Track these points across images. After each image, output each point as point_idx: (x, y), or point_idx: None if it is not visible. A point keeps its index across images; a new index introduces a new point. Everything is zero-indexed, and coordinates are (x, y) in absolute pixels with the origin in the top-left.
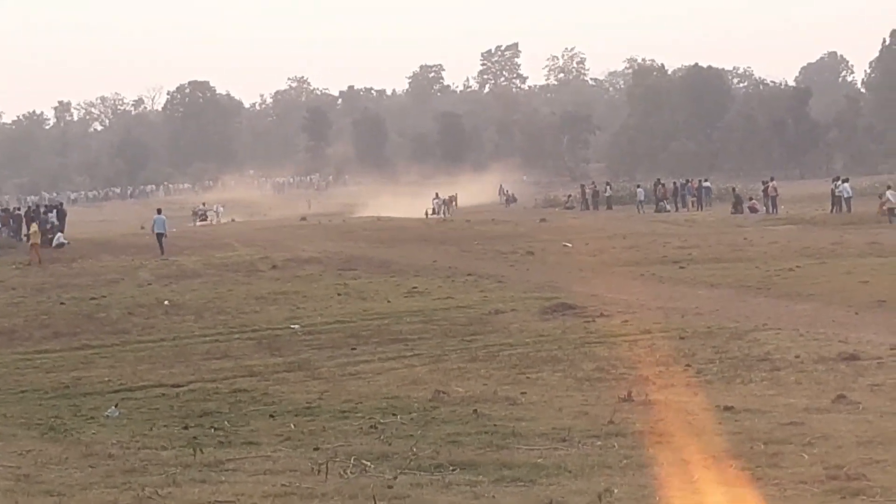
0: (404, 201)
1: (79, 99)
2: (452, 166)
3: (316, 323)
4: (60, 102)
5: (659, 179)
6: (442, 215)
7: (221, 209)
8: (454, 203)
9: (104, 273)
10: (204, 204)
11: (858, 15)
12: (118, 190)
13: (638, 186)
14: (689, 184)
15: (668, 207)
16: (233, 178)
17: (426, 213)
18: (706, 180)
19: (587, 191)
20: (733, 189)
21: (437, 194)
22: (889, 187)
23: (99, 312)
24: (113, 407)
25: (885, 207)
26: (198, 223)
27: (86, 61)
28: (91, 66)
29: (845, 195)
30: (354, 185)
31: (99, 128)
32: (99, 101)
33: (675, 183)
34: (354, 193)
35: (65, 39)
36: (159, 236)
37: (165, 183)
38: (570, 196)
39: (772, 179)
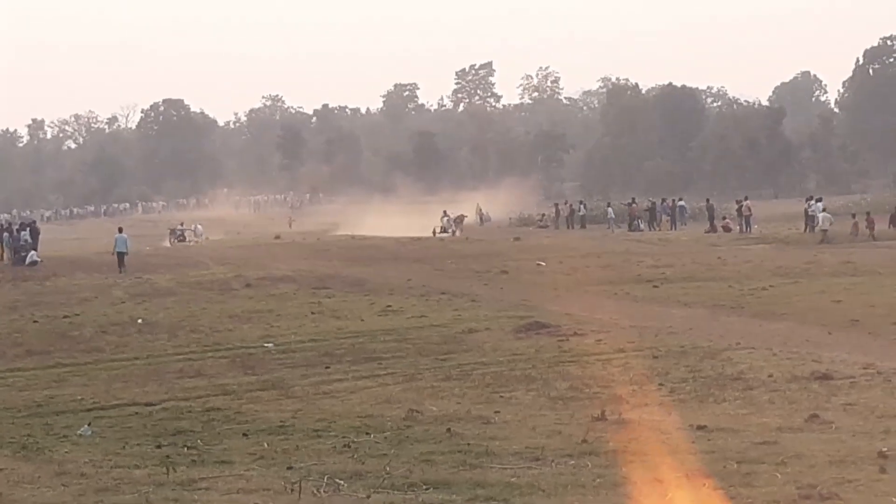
0: (395, 221)
1: (52, 117)
2: (427, 185)
3: (290, 341)
4: (34, 120)
5: (633, 199)
6: (451, 233)
7: (200, 228)
8: (462, 221)
9: (77, 291)
10: (182, 224)
11: (832, 35)
12: (92, 208)
13: (608, 205)
14: (665, 203)
15: (642, 227)
16: (207, 196)
17: (434, 232)
18: (681, 199)
19: (562, 210)
20: (707, 200)
21: (445, 212)
22: (818, 201)
23: (72, 331)
24: (86, 426)
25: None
26: (174, 243)
27: (59, 79)
28: (65, 84)
29: (818, 214)
30: (328, 204)
31: (73, 146)
32: (73, 118)
33: (650, 201)
34: (336, 212)
35: (38, 57)
36: (120, 255)
37: (138, 201)
38: (543, 215)
39: (746, 199)
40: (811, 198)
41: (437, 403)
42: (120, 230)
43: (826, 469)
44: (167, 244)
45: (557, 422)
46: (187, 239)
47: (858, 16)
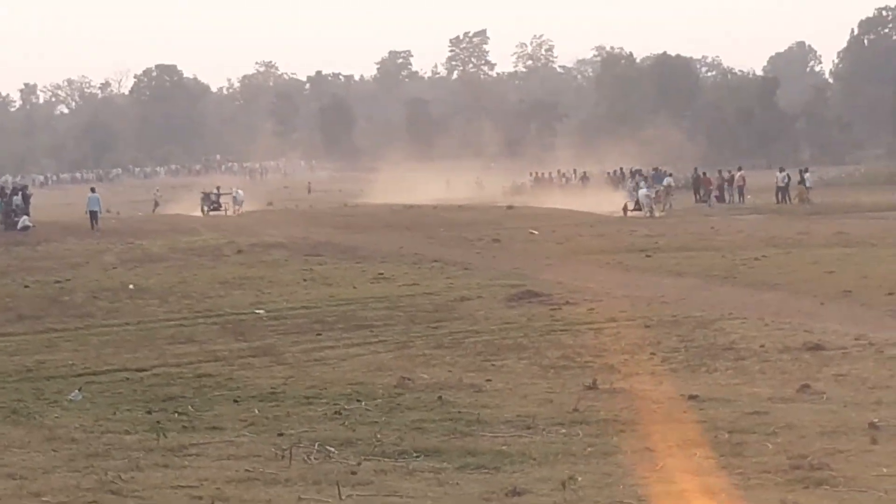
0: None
1: (45, 81)
2: (420, 153)
3: (281, 308)
4: (26, 84)
5: (621, 168)
6: (647, 213)
7: (241, 193)
8: (670, 194)
9: (69, 256)
10: (218, 188)
11: (827, 5)
12: (91, 174)
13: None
14: (659, 173)
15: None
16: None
17: (624, 210)
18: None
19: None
20: (695, 170)
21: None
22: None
23: (63, 296)
24: (76, 391)
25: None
26: (209, 212)
27: (52, 43)
28: (58, 48)
29: (780, 184)
30: (322, 171)
31: (65, 110)
32: (66, 83)
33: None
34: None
35: (31, 21)
36: (93, 214)
37: (131, 166)
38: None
39: (739, 169)
40: (781, 169)
41: (429, 371)
42: (92, 190)
43: (817, 439)
44: (199, 213)
45: (549, 390)
46: (223, 207)
47: None
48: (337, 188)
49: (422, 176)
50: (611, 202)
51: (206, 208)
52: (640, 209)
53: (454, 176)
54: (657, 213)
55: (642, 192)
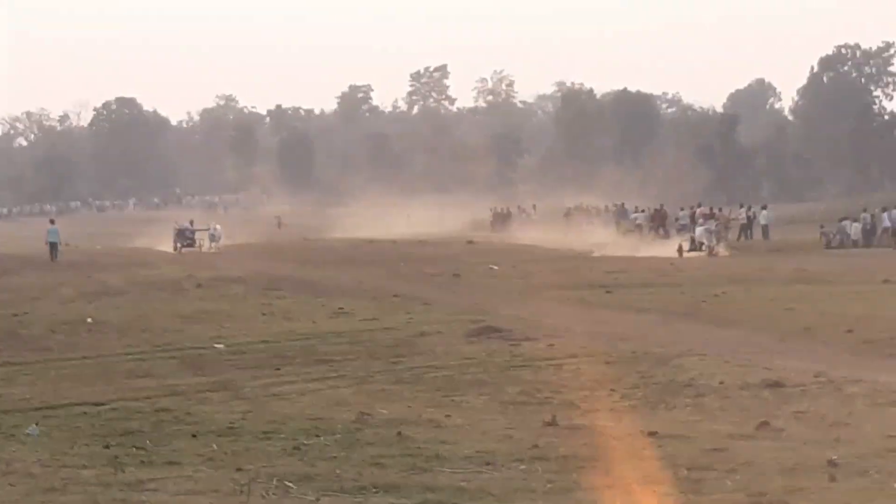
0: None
1: (2, 113)
2: (382, 188)
3: (240, 342)
4: None
5: (574, 204)
6: (708, 250)
7: (219, 229)
8: (727, 228)
9: (27, 289)
10: (192, 222)
11: (786, 42)
12: (51, 206)
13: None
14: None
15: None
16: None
17: (679, 251)
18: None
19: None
20: (661, 205)
21: None
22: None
23: (21, 329)
24: (34, 425)
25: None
26: (180, 249)
27: (10, 76)
28: (16, 80)
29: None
30: (282, 205)
31: (24, 143)
32: (24, 115)
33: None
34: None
35: None
36: (53, 246)
37: (90, 199)
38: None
39: (699, 205)
40: (741, 206)
41: (388, 407)
42: (52, 222)
43: (776, 477)
44: (171, 249)
45: (508, 426)
46: (197, 243)
47: (813, 24)
48: (299, 223)
49: (382, 210)
50: (596, 237)
51: (179, 244)
52: (696, 249)
53: (414, 211)
54: (722, 251)
55: (700, 229)
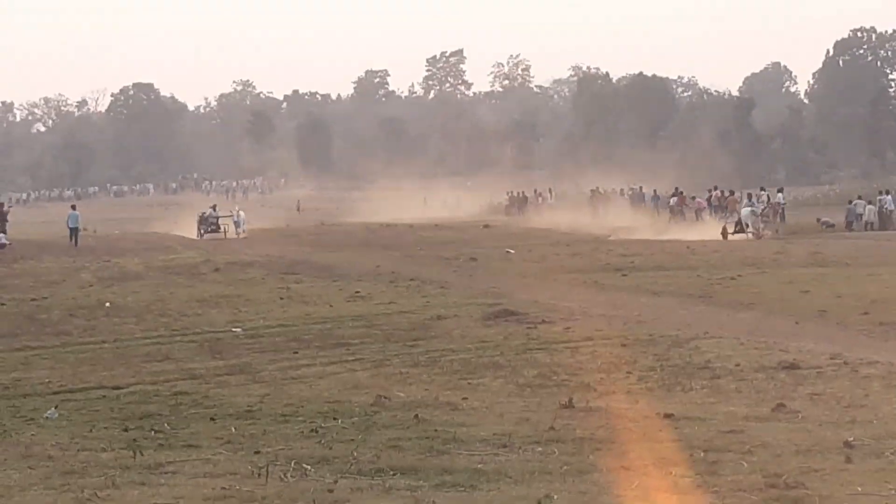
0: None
1: (22, 99)
2: (398, 172)
3: (258, 326)
4: (3, 103)
5: (598, 187)
6: (753, 234)
7: (243, 215)
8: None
9: (46, 274)
10: (215, 207)
11: (802, 26)
12: (69, 192)
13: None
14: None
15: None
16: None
17: (723, 234)
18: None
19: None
20: (676, 189)
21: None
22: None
23: (40, 314)
24: (53, 408)
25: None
26: (205, 234)
27: (29, 62)
28: (34, 66)
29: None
30: (298, 189)
31: (42, 129)
32: (42, 101)
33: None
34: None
35: (7, 39)
36: (73, 230)
37: (108, 185)
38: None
39: (715, 188)
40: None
41: (405, 390)
42: (73, 207)
43: (792, 458)
44: (194, 235)
45: (525, 409)
46: (222, 228)
47: (829, 7)
48: (316, 207)
49: (399, 195)
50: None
51: (203, 230)
52: (742, 231)
53: (431, 195)
54: (766, 234)
55: (745, 210)
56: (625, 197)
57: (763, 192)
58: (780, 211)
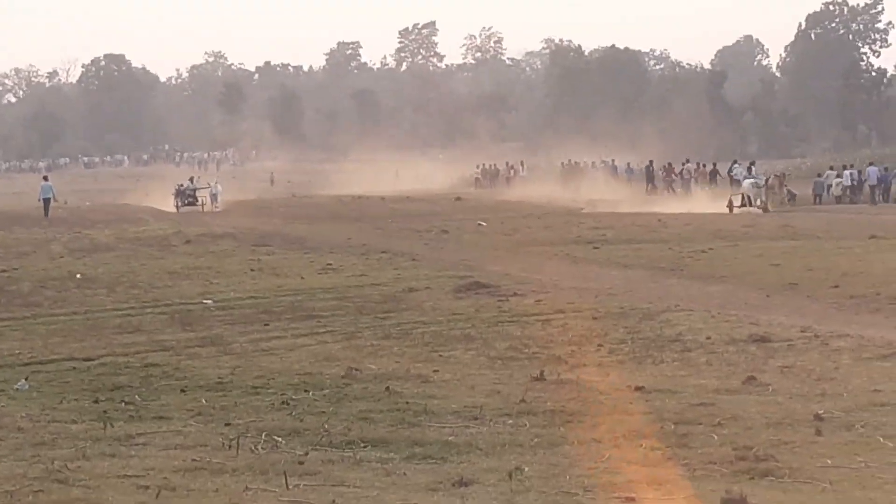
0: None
1: None
2: (370, 144)
3: (229, 298)
4: None
5: (570, 160)
6: (760, 206)
7: (220, 188)
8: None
9: (16, 245)
10: (192, 179)
11: None
12: (40, 164)
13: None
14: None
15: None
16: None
17: (729, 206)
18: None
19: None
20: (650, 162)
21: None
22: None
23: (10, 285)
24: (23, 380)
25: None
26: (180, 207)
27: None
28: (4, 37)
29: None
30: (270, 161)
31: (13, 100)
32: (13, 72)
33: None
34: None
35: None
36: (46, 201)
37: (79, 156)
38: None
39: (687, 161)
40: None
41: (377, 362)
42: (45, 178)
43: (762, 431)
44: (171, 208)
45: (496, 381)
46: (200, 201)
47: None
48: (288, 179)
49: (371, 167)
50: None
51: (179, 203)
52: (746, 205)
53: (403, 167)
54: (770, 208)
55: (747, 182)
56: (597, 169)
57: (737, 166)
58: (784, 182)
